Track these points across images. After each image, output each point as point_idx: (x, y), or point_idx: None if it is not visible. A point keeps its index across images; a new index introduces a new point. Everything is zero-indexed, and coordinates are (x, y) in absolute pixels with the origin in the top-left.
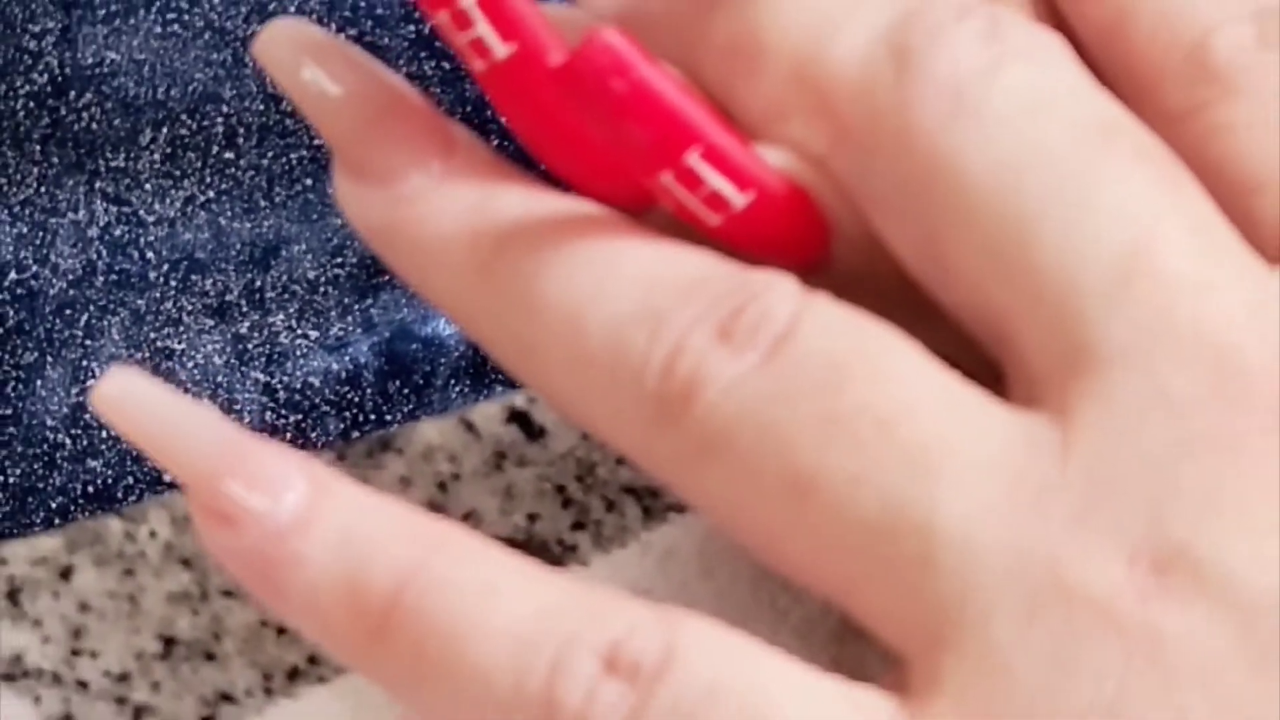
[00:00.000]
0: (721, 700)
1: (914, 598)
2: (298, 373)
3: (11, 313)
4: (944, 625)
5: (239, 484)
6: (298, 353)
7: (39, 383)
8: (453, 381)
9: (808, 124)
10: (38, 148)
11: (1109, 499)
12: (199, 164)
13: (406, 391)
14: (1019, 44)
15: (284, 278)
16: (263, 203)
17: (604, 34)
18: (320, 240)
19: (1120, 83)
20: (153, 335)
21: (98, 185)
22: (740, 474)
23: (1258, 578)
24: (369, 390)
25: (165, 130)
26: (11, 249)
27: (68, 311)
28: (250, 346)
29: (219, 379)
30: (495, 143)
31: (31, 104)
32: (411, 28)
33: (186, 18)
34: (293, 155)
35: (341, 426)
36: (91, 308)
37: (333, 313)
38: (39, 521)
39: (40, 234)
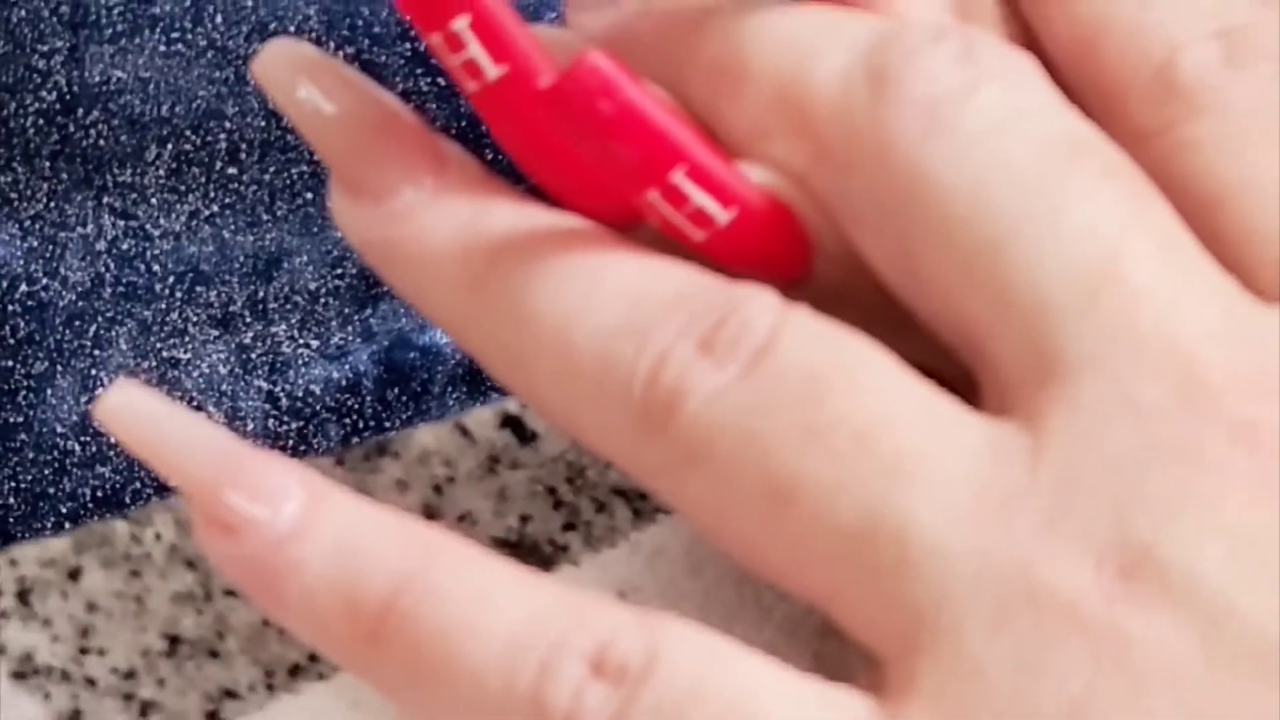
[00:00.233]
0: (704, 701)
1: (890, 603)
2: (299, 381)
3: (22, 324)
4: (919, 630)
5: (239, 494)
6: (299, 361)
7: (49, 391)
8: (450, 389)
9: (789, 143)
10: (47, 164)
11: (1076, 504)
12: (203, 179)
13: (405, 399)
14: (992, 65)
15: (286, 289)
16: (265, 216)
17: (591, 56)
18: (321, 253)
19: (1091, 101)
20: (159, 345)
21: (105, 200)
22: (722, 482)
23: (1221, 581)
24: (368, 398)
25: (170, 146)
26: (22, 262)
27: (77, 323)
28: (253, 356)
29: (223, 387)
30: (489, 158)
31: (40, 121)
32: (407, 45)
33: (190, 37)
34: (294, 170)
35: (342, 433)
36: (100, 319)
37: (333, 323)
38: (49, 525)
39: (50, 247)
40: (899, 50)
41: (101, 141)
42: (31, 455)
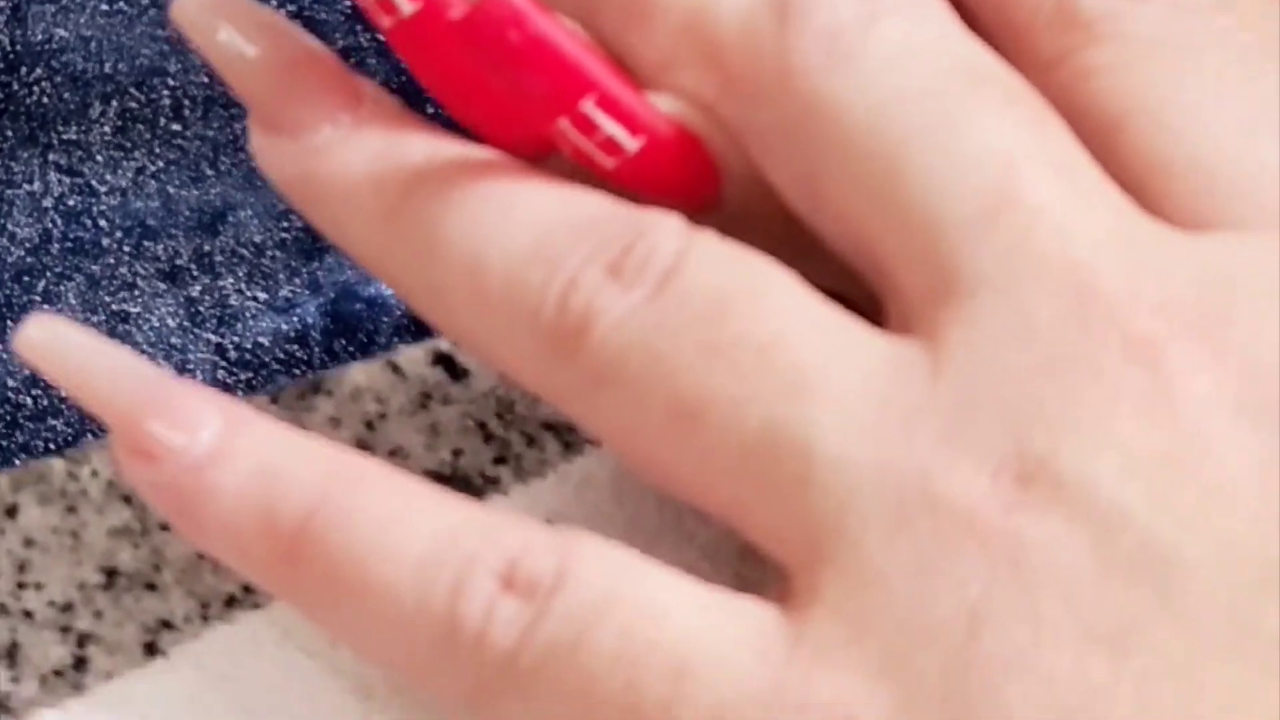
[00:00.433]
0: (612, 611)
1: (794, 514)
2: (248, 333)
3: None
4: (822, 539)
5: (158, 422)
6: (247, 314)
7: (0, 347)
8: (395, 339)
9: (697, 73)
10: None
11: (974, 417)
12: (148, 136)
13: (351, 349)
14: (888, 1)
15: (232, 243)
16: (209, 171)
17: None
18: (266, 206)
19: (997, 33)
20: (108, 299)
21: (51, 158)
22: (632, 402)
23: (1113, 489)
24: (316, 348)
25: (114, 104)
26: None
27: (26, 278)
28: (202, 309)
29: (173, 340)
30: (429, 110)
31: None
32: (347, 3)
33: None
34: (237, 126)
35: (290, 383)
36: (48, 274)
37: (280, 275)
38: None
39: None
40: None
41: (46, 99)
42: None
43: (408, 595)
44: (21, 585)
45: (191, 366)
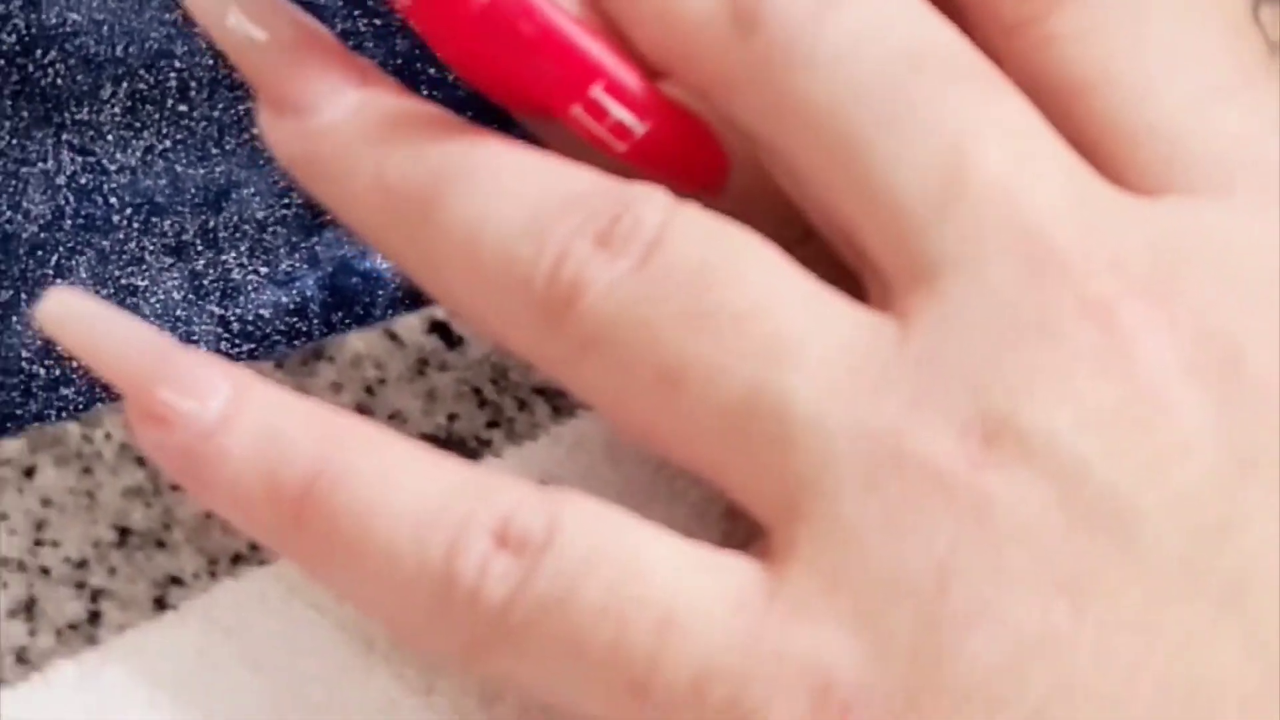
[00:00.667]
0: (599, 566)
1: (773, 474)
2: (250, 305)
3: None
4: (799, 497)
5: (169, 389)
6: (249, 287)
7: (14, 318)
8: (390, 311)
9: (681, 70)
10: (8, 103)
11: (941, 381)
12: (156, 116)
13: (349, 321)
14: None
15: (235, 219)
16: (215, 150)
17: None
18: (268, 184)
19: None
20: (117, 273)
21: (64, 137)
22: (618, 367)
23: (1074, 444)
24: (315, 320)
25: (125, 85)
26: None
27: (39, 253)
28: (206, 282)
29: (178, 312)
30: (424, 92)
31: (1, 63)
32: None
33: None
34: (241, 107)
35: (294, 350)
36: (61, 249)
37: (281, 250)
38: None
39: (12, 182)
40: None
41: (59, 81)
42: (0, 379)
43: (407, 553)
44: (39, 543)
45: (196, 338)
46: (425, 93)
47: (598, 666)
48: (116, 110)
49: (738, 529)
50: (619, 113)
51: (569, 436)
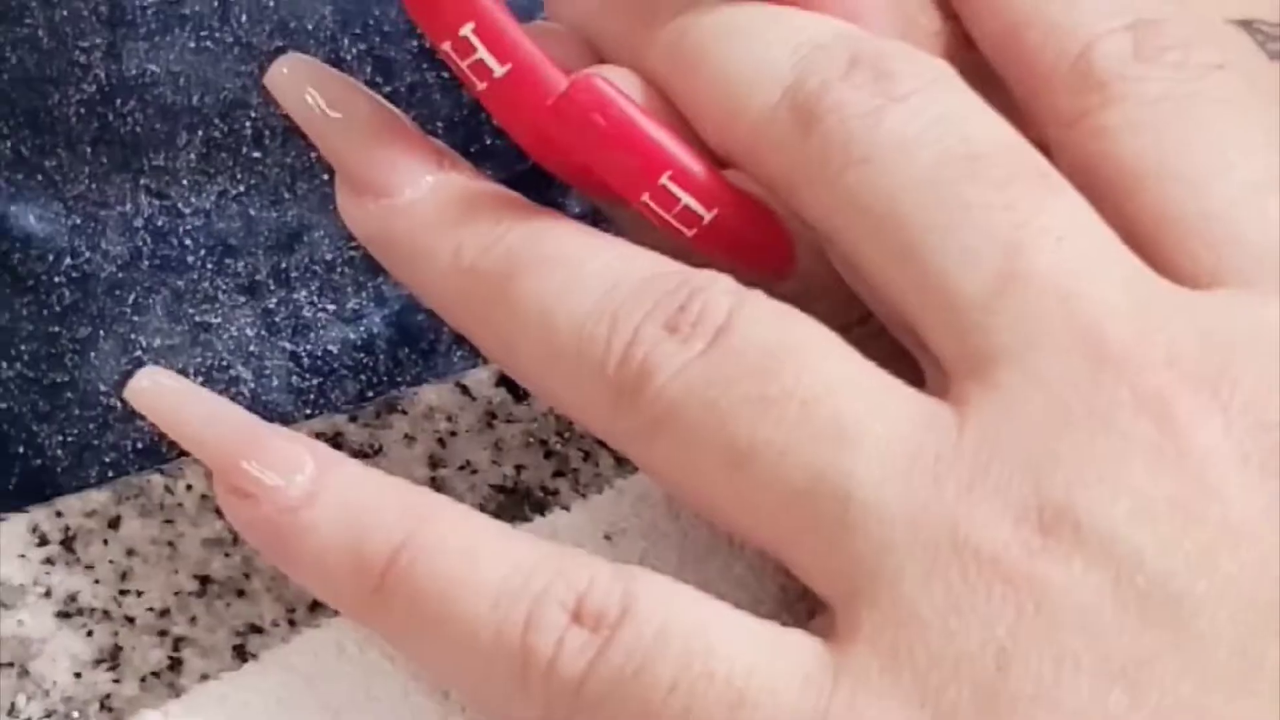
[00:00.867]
0: (671, 643)
1: (835, 555)
2: (319, 342)
3: (68, 293)
4: (861, 579)
5: (255, 464)
6: (319, 324)
7: (93, 354)
8: (454, 347)
9: (744, 166)
10: (88, 149)
11: (997, 469)
12: (230, 162)
13: (414, 357)
14: (901, 86)
15: (306, 260)
16: (286, 195)
17: (588, 76)
18: (337, 227)
19: (1016, 86)
20: (191, 311)
21: (141, 181)
22: (686, 447)
23: (1128, 534)
24: (381, 356)
25: (200, 133)
26: (67, 238)
27: (117, 292)
28: (278, 320)
29: (251, 349)
30: (490, 142)
31: (82, 110)
32: (414, 42)
33: (218, 34)
34: (312, 154)
35: (358, 388)
36: (138, 288)
37: (349, 289)
38: (94, 475)
39: (92, 224)
40: (815, 86)
41: (138, 129)
42: (77, 412)
43: (486, 626)
44: (123, 592)
45: (268, 373)
46: (490, 142)
47: None
48: (192, 157)
49: (794, 584)
50: (687, 200)
51: (633, 490)
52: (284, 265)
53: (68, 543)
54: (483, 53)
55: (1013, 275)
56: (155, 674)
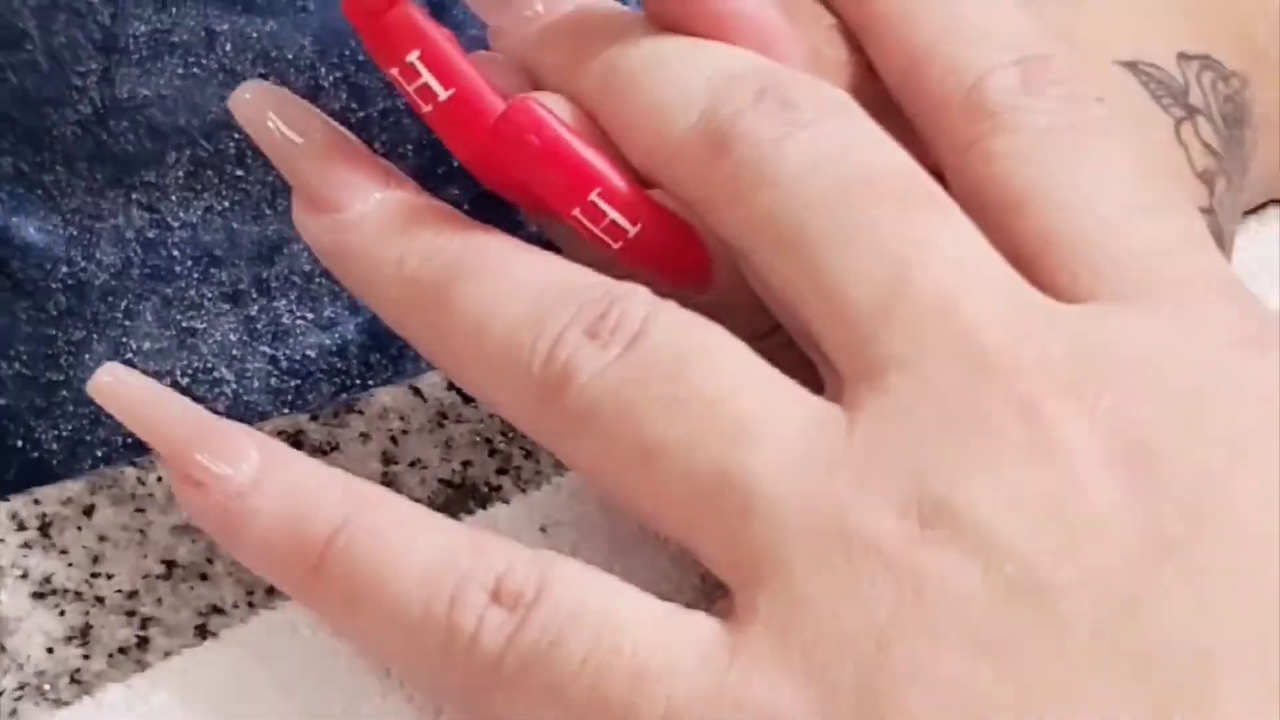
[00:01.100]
0: (582, 621)
1: (735, 543)
2: (297, 347)
3: (64, 299)
4: (758, 565)
5: (206, 455)
6: (297, 331)
7: (86, 355)
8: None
9: (665, 185)
10: (84, 166)
11: (883, 466)
12: (215, 180)
13: (384, 361)
14: (806, 115)
15: (285, 270)
16: (268, 210)
17: (524, 100)
18: None
19: (915, 115)
20: (179, 317)
21: (133, 196)
22: (603, 443)
23: (1000, 526)
24: (354, 361)
25: (188, 152)
26: (64, 248)
27: (110, 298)
28: (258, 326)
29: (233, 353)
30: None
31: (79, 130)
32: None
33: (205, 62)
34: None
35: (332, 390)
36: (129, 295)
37: (325, 298)
38: (87, 467)
39: (87, 236)
40: (728, 114)
41: (130, 148)
42: (71, 409)
43: (414, 604)
44: (95, 575)
45: (249, 375)
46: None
47: (580, 712)
48: (180, 174)
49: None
50: (613, 215)
51: (568, 486)
52: (265, 275)
53: (44, 528)
54: (428, 78)
55: (902, 289)
56: (123, 650)
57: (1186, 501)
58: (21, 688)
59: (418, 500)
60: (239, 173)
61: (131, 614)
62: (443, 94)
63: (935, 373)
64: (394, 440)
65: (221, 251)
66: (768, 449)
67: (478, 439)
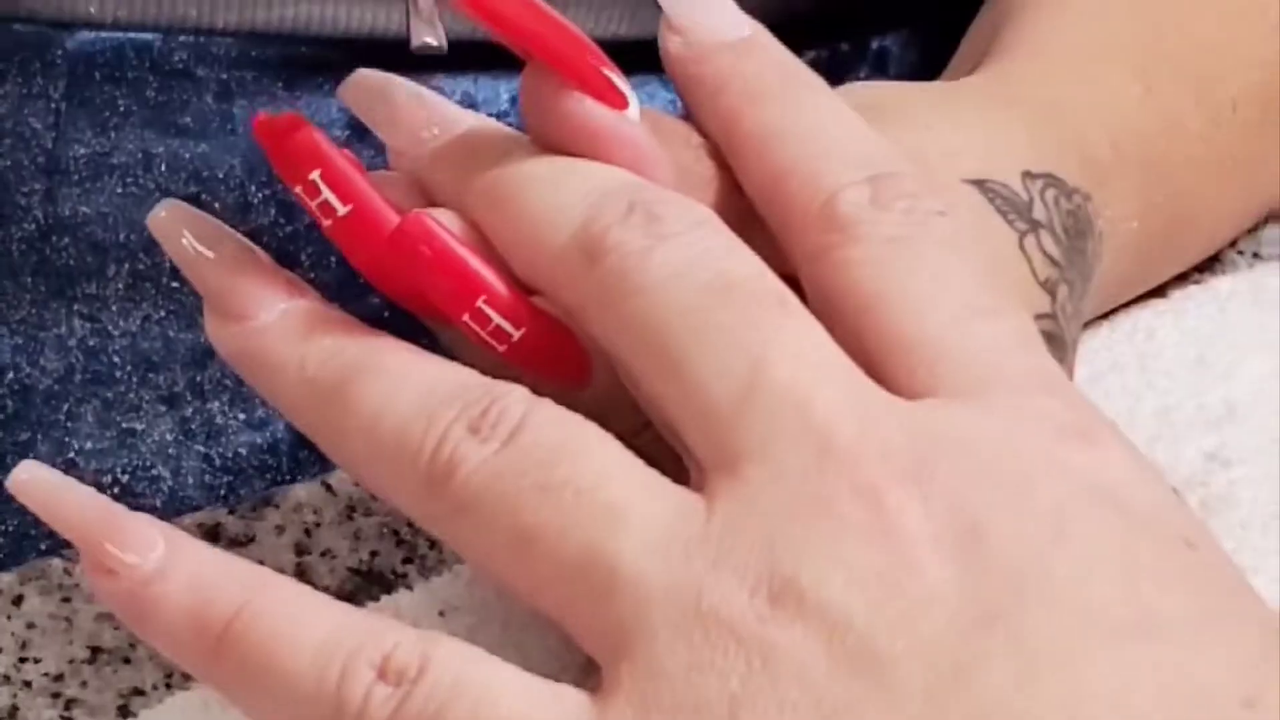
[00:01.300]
0: (462, 695)
1: (602, 620)
2: (230, 445)
3: (10, 403)
4: (622, 640)
5: (115, 545)
6: (230, 430)
7: (31, 455)
8: None
9: (545, 293)
10: (29, 279)
11: (737, 549)
12: (153, 291)
13: (312, 458)
14: (671, 227)
15: (218, 374)
16: (201, 319)
17: (417, 214)
18: None
19: (775, 227)
20: (119, 419)
21: (75, 307)
22: (484, 529)
23: (842, 601)
24: (284, 458)
25: (127, 266)
26: (9, 355)
27: (53, 402)
28: (194, 427)
29: (170, 451)
30: None
31: (24, 246)
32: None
33: (142, 181)
34: None
35: (264, 485)
36: (71, 399)
37: (256, 399)
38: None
39: (32, 344)
40: (599, 228)
41: (72, 262)
42: (16, 505)
43: (306, 681)
44: (23, 660)
45: (185, 473)
46: None
47: None
48: (120, 286)
49: None
50: (499, 320)
51: (466, 573)
52: (199, 379)
53: None
54: (328, 194)
55: (756, 386)
56: None
57: (1011, 576)
58: None
59: (327, 588)
60: (175, 284)
61: (57, 696)
62: (342, 209)
63: (786, 462)
64: (307, 532)
65: (159, 357)
66: (632, 534)
67: (385, 530)
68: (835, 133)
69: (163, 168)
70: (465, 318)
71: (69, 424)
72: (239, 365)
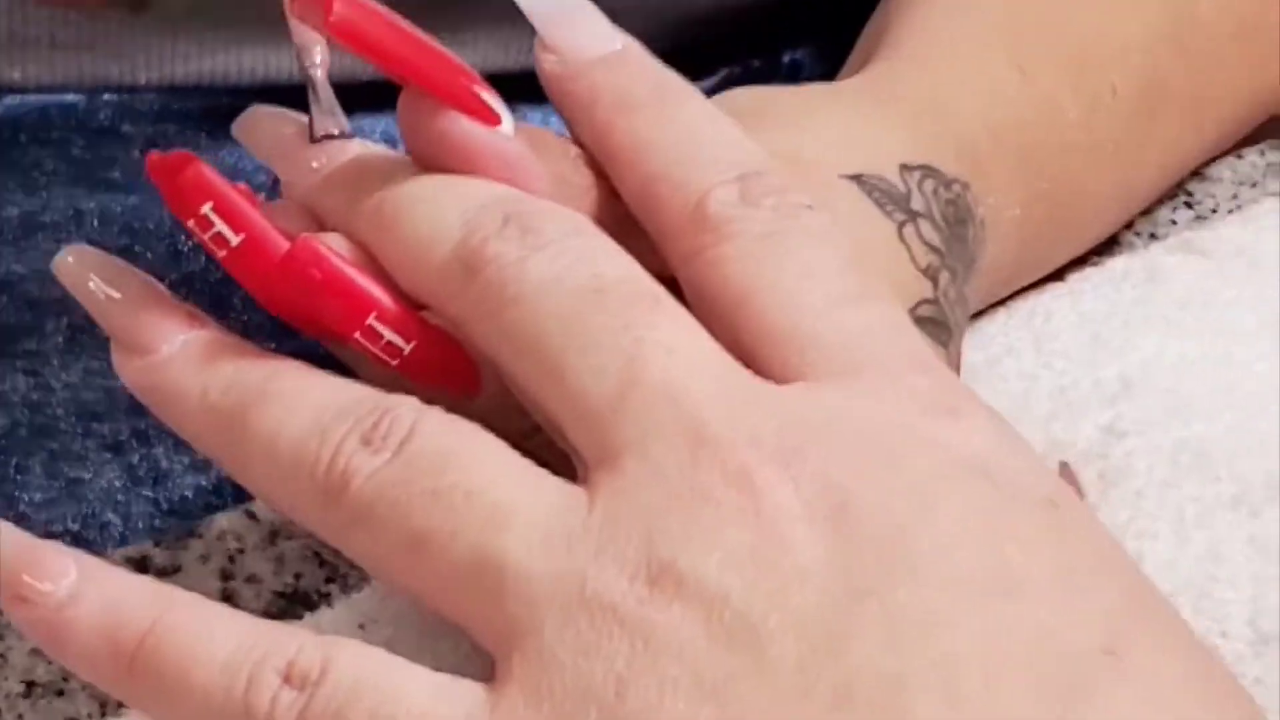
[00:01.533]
0: (363, 694)
1: (494, 615)
2: (176, 489)
3: None
4: (514, 634)
5: (30, 574)
6: (175, 474)
7: None
8: None
9: (431, 306)
10: None
11: (618, 538)
12: (91, 343)
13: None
14: (545, 237)
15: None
16: None
17: (306, 239)
18: None
19: (651, 230)
20: (66, 469)
21: (17, 364)
22: (378, 537)
23: (718, 580)
24: (230, 498)
25: (64, 320)
26: None
27: (1, 456)
28: (140, 473)
29: (118, 497)
30: None
31: None
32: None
33: (74, 237)
34: None
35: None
36: (18, 452)
37: None
38: None
39: None
40: (476, 242)
41: (11, 320)
42: None
43: (216, 691)
44: None
45: (133, 518)
46: None
47: None
48: (59, 340)
49: None
50: (390, 336)
51: (384, 587)
52: (143, 426)
53: None
54: (220, 226)
55: (632, 382)
56: None
57: (879, 549)
58: None
59: (253, 611)
60: None
61: None
62: (234, 239)
63: (662, 453)
64: (231, 559)
65: (102, 407)
66: (519, 531)
67: (308, 553)
68: (704, 138)
69: (94, 222)
70: (357, 335)
71: (18, 477)
72: (146, 398)
